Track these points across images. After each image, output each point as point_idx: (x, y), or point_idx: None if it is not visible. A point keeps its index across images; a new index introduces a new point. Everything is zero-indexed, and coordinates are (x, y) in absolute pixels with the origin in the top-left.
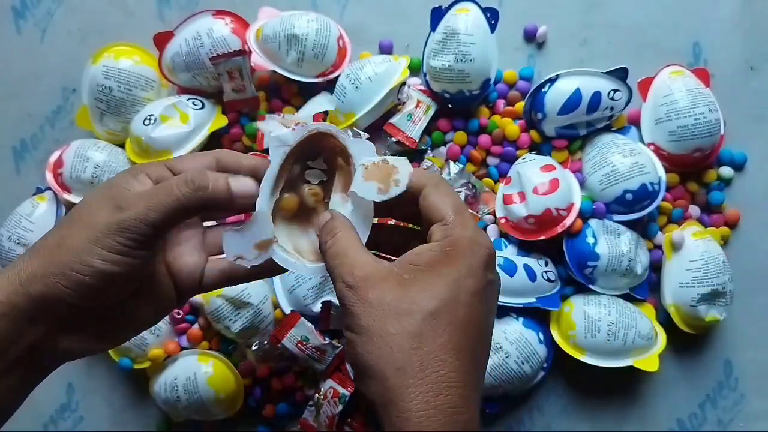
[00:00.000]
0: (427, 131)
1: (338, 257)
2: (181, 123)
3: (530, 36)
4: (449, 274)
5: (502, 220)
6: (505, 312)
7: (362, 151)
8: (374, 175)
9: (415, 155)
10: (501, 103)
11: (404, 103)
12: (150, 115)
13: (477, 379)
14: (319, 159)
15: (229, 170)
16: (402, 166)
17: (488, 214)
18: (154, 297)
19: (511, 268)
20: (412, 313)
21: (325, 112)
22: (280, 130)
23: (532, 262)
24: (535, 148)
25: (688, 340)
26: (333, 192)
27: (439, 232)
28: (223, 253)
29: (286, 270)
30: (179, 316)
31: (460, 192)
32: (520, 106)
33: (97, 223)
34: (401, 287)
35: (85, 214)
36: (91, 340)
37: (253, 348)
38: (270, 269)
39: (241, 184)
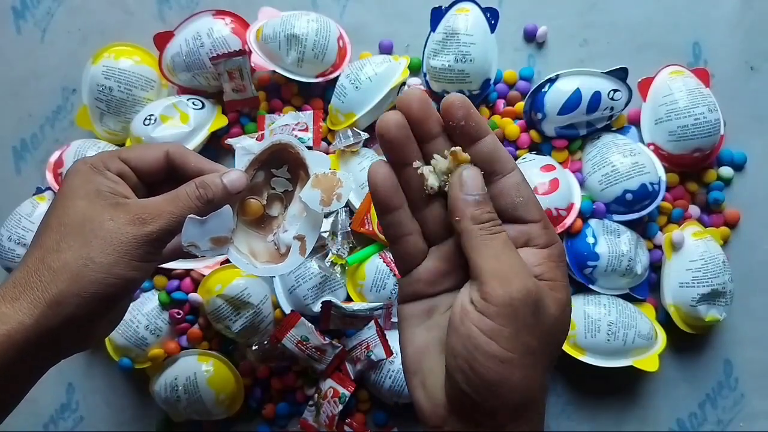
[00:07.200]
0: None
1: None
2: (181, 123)
3: (530, 36)
4: (566, 292)
5: None
6: None
7: (317, 163)
8: (321, 184)
9: None
10: (501, 103)
11: None
12: (150, 115)
13: None
14: (283, 168)
15: (176, 165)
16: (346, 182)
17: None
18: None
19: None
20: (556, 334)
21: (325, 111)
22: (246, 142)
23: None
24: (535, 148)
25: (688, 340)
26: (293, 202)
27: (542, 236)
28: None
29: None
30: (179, 316)
31: None
32: (520, 106)
33: (123, 237)
34: (558, 306)
35: (99, 228)
36: (90, 340)
37: (253, 348)
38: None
39: (234, 179)
